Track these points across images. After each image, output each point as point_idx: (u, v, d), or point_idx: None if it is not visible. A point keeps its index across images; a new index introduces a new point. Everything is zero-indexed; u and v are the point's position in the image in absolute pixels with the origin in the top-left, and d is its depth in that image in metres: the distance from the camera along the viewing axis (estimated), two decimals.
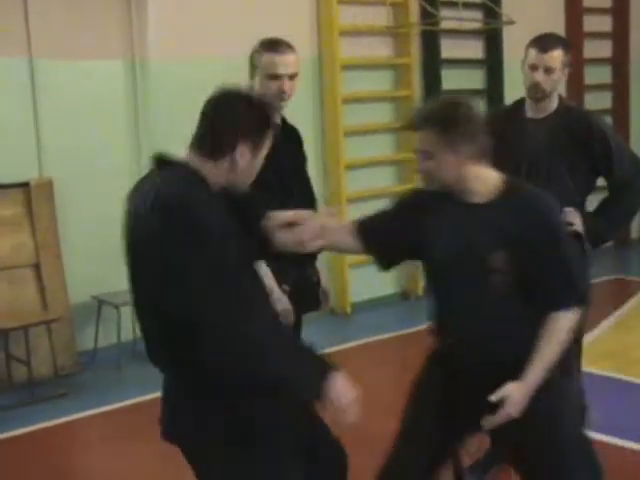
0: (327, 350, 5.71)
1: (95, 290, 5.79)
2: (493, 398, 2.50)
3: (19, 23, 5.55)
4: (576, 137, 3.48)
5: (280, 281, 3.16)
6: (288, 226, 2.52)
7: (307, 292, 3.36)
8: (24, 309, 5.45)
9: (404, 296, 7.47)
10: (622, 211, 3.64)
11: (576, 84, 8.19)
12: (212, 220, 2.18)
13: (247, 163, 2.32)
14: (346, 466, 2.68)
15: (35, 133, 5.64)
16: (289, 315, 3.15)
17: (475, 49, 7.98)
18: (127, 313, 5.56)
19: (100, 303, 5.76)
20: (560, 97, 3.59)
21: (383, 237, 2.73)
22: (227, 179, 2.33)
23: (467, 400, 2.59)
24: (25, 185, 5.52)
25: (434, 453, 2.69)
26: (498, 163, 3.60)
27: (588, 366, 4.05)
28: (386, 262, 2.80)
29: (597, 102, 8.63)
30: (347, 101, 6.94)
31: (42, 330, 5.33)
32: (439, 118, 2.50)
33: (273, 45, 3.20)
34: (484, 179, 2.58)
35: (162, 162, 2.36)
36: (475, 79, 8.00)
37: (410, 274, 7.36)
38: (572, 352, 3.63)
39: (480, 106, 7.81)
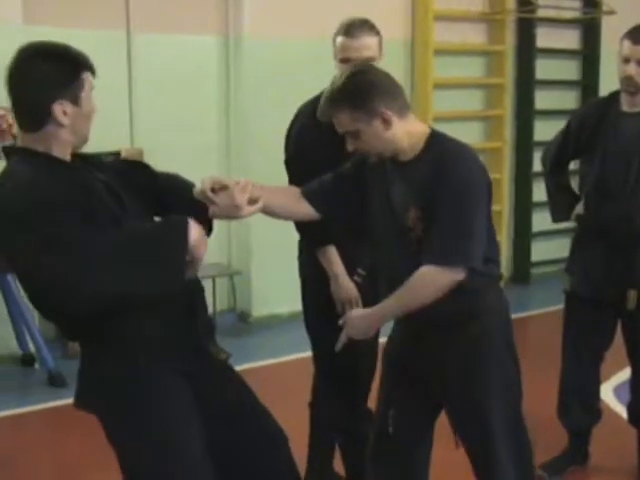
0: None
1: None
2: (340, 322, 2.61)
3: None
4: None
5: (354, 265, 3.14)
6: (217, 191, 2.39)
7: None
8: None
9: None
10: None
11: None
12: (30, 209, 2.11)
13: (73, 115, 2.23)
14: (285, 443, 2.57)
15: (129, 104, 5.76)
16: (354, 302, 3.12)
17: (572, 39, 7.80)
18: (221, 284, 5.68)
19: None
20: None
21: (334, 200, 2.66)
22: (65, 140, 2.26)
23: (410, 361, 2.61)
24: (117, 154, 5.63)
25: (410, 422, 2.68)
26: (590, 155, 3.56)
27: None
28: (341, 224, 2.81)
29: None
30: (438, 86, 6.88)
31: None
32: (341, 94, 2.41)
33: (347, 28, 3.07)
34: (409, 135, 2.47)
35: (8, 152, 2.31)
36: (570, 70, 7.84)
37: None
38: None
39: (573, 98, 7.69)
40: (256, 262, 6.26)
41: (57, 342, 5.49)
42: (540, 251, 7.59)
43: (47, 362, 5.07)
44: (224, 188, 2.39)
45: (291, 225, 3.13)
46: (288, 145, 3.21)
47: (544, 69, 7.46)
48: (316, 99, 3.22)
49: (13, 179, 2.20)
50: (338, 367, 3.23)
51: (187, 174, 5.92)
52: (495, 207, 7.21)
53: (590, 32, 7.76)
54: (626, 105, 3.49)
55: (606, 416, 3.90)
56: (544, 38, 7.45)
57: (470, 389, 2.56)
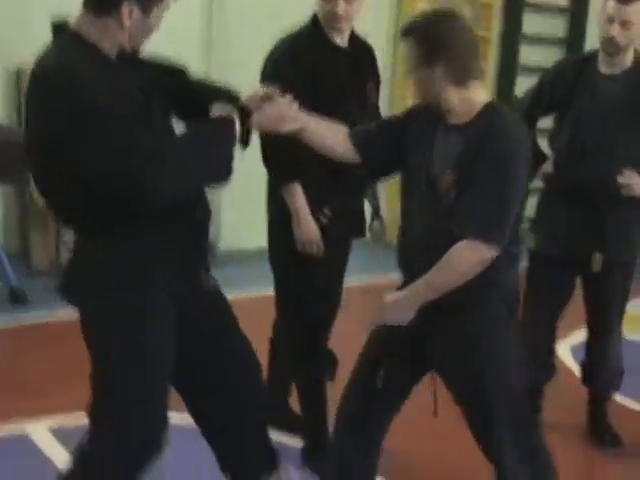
0: (369, 279, 5.76)
1: None
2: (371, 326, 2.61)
3: None
4: None
5: (320, 205, 3.13)
6: (262, 101, 2.45)
7: (351, 218, 3.30)
8: None
9: None
10: None
11: None
12: (96, 91, 2.12)
13: (137, 22, 2.24)
14: (257, 374, 2.66)
15: None
16: (313, 244, 3.11)
17: None
18: None
19: None
20: (636, 52, 3.45)
21: (376, 148, 2.65)
22: (117, 40, 2.26)
23: (413, 331, 2.55)
24: None
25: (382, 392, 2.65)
26: (563, 114, 3.54)
27: (629, 333, 3.99)
28: (375, 173, 2.79)
29: None
30: None
31: None
32: (417, 31, 2.42)
33: None
34: (465, 102, 2.45)
35: (57, 30, 2.28)
36: (557, 26, 7.77)
37: None
38: (615, 316, 3.62)
39: (558, 55, 7.64)
40: (226, 194, 6.21)
41: (20, 259, 5.45)
42: None
43: (9, 279, 5.03)
44: (269, 98, 2.44)
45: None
46: (263, 80, 3.17)
47: (531, 24, 7.39)
48: (293, 36, 3.17)
49: (70, 67, 2.15)
50: (300, 307, 3.24)
51: None
52: None
53: None
54: (604, 66, 3.45)
55: (562, 375, 3.96)
56: None
57: (472, 358, 2.53)
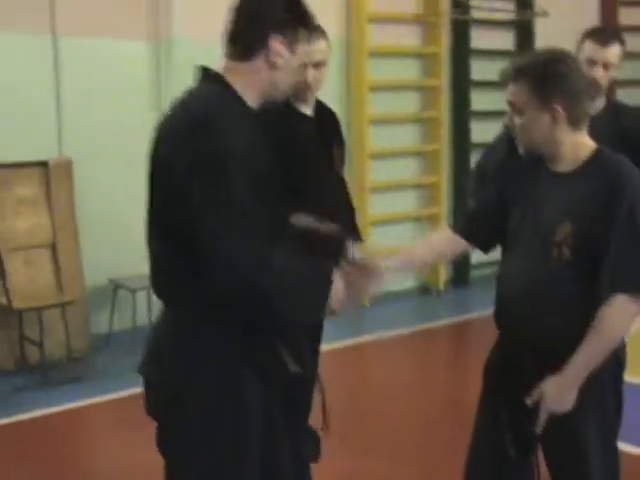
0: (343, 343, 5.65)
1: (112, 273, 5.70)
2: (528, 402, 2.35)
3: None
4: (630, 136, 3.29)
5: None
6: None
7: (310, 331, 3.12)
8: (39, 290, 5.37)
9: (424, 290, 7.35)
10: None
11: None
12: (236, 143, 1.98)
13: (285, 60, 2.10)
14: None
15: (56, 111, 5.54)
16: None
17: (505, 40, 7.80)
18: (143, 297, 5.44)
19: (116, 286, 5.67)
20: (606, 94, 3.39)
21: (484, 229, 2.61)
22: (261, 86, 2.12)
23: (527, 386, 2.38)
24: (44, 164, 5.42)
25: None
26: None
27: None
28: (488, 248, 2.67)
29: (632, 99, 8.42)
30: (373, 89, 6.81)
31: (57, 312, 5.25)
32: (534, 71, 2.32)
33: None
34: (576, 146, 2.36)
35: (202, 75, 2.19)
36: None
37: (432, 268, 7.31)
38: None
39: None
40: None
41: None
42: (480, 253, 7.57)
43: None
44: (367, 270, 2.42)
45: None
46: None
47: (479, 70, 7.43)
48: (264, 108, 3.09)
49: (216, 112, 2.03)
50: None
51: (118, 182, 5.70)
52: (434, 210, 7.20)
53: (524, 33, 7.77)
54: None
55: None
56: (478, 39, 7.44)
57: (568, 418, 2.36)
